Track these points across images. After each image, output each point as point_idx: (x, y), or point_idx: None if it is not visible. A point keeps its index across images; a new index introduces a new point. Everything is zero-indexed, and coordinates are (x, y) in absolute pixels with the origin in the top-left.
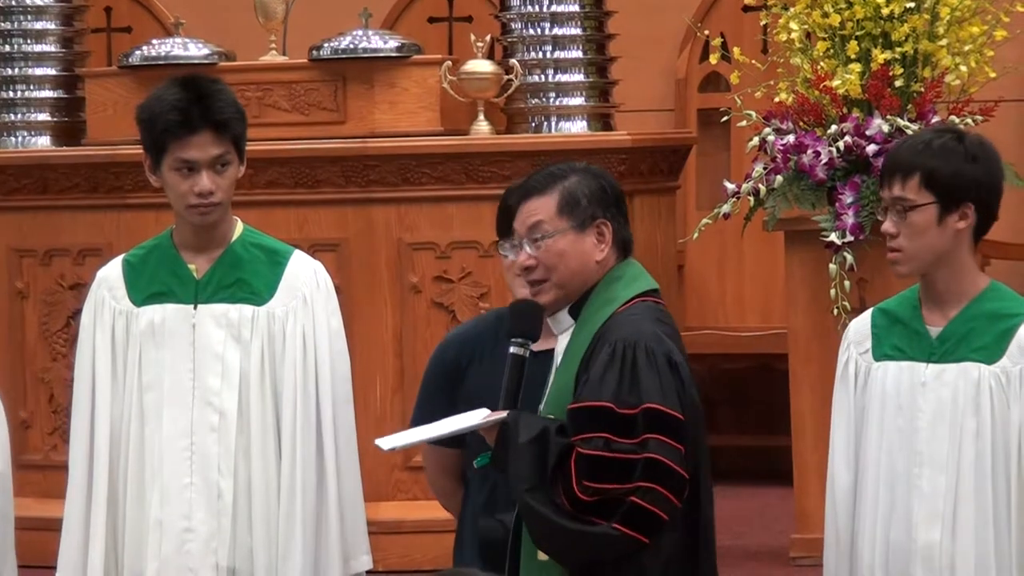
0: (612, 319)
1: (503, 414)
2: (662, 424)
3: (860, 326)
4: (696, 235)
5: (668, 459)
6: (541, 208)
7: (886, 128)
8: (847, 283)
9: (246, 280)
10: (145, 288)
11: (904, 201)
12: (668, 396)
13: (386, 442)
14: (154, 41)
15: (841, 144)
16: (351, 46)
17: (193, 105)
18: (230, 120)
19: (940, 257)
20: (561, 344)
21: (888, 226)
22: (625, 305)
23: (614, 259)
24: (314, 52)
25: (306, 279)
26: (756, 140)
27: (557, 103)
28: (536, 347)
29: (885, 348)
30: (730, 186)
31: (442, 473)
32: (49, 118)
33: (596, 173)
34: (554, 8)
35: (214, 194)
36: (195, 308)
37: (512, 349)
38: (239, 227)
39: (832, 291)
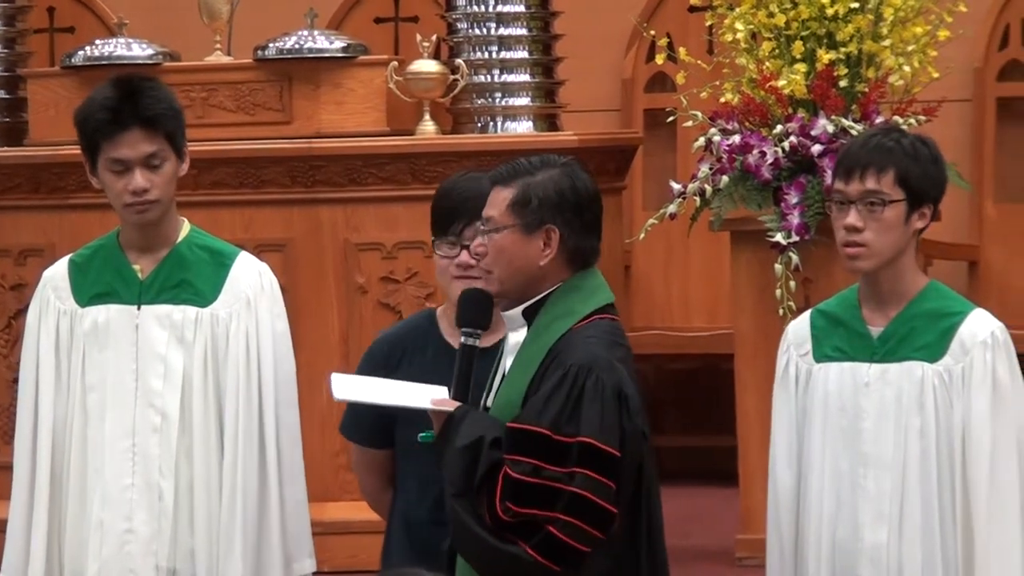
0: (568, 336)
1: (454, 405)
2: (595, 460)
3: (799, 328)
4: (642, 235)
5: (595, 495)
6: (497, 200)
7: (831, 128)
8: (793, 283)
9: (190, 281)
10: (90, 288)
11: (880, 195)
12: (606, 431)
13: (339, 386)
14: (97, 41)
15: (786, 144)
16: (297, 46)
17: (123, 103)
18: (159, 116)
19: (896, 255)
20: (511, 341)
21: (854, 219)
22: (582, 322)
23: (564, 267)
24: (259, 52)
25: (250, 281)
26: (702, 140)
27: (503, 103)
28: (481, 343)
29: (826, 349)
30: (676, 186)
31: (369, 472)
32: None
33: (568, 174)
34: (500, 8)
35: (149, 191)
36: (139, 309)
37: (462, 339)
38: (185, 228)
39: (778, 291)
